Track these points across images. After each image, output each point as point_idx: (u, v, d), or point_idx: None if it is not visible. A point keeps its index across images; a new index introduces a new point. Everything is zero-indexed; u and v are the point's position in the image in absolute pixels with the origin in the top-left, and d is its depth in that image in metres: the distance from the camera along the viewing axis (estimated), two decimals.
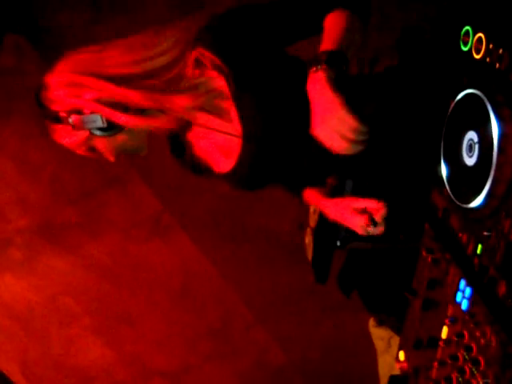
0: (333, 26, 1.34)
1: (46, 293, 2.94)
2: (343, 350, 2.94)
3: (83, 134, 1.45)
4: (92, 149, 1.50)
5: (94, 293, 2.94)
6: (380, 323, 2.10)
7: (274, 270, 2.86)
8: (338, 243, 2.01)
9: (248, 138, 1.47)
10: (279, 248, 2.79)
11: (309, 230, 2.27)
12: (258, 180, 1.60)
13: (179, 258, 2.89)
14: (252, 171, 1.54)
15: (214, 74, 1.45)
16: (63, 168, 2.67)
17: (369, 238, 1.86)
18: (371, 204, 1.37)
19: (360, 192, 1.56)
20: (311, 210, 2.01)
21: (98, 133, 1.44)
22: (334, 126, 1.25)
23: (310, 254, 2.25)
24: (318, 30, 1.38)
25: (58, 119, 1.43)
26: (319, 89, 1.25)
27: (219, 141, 1.54)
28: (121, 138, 1.47)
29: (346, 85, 1.27)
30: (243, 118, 1.46)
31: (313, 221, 2.21)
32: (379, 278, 2.10)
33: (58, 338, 3.03)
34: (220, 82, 1.46)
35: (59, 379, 3.10)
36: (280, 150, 1.50)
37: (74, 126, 1.42)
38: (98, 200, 2.78)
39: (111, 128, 1.44)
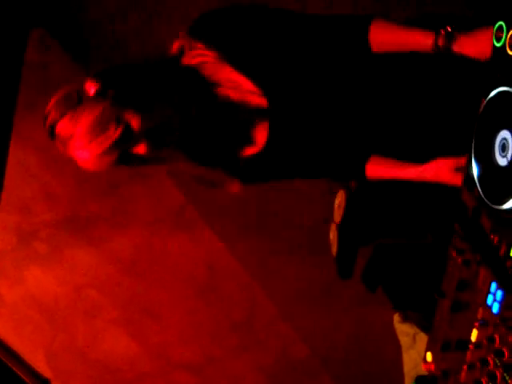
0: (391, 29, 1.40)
1: (71, 285, 2.96)
2: (367, 344, 2.92)
3: None
4: None
5: (119, 285, 2.95)
6: (405, 319, 2.07)
7: (298, 265, 2.84)
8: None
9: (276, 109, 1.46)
10: (303, 242, 2.77)
11: (333, 226, 2.24)
12: (282, 162, 1.58)
13: (203, 252, 2.89)
14: (281, 145, 1.52)
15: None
16: None
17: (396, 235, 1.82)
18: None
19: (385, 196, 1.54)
20: (336, 205, 1.98)
21: None
22: None
23: (334, 250, 2.23)
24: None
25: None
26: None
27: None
28: None
29: None
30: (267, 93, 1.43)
31: (337, 216, 2.18)
32: (406, 273, 2.07)
33: (83, 330, 3.06)
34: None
35: (84, 370, 3.12)
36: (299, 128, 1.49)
37: None
38: (122, 193, 2.79)
39: None
